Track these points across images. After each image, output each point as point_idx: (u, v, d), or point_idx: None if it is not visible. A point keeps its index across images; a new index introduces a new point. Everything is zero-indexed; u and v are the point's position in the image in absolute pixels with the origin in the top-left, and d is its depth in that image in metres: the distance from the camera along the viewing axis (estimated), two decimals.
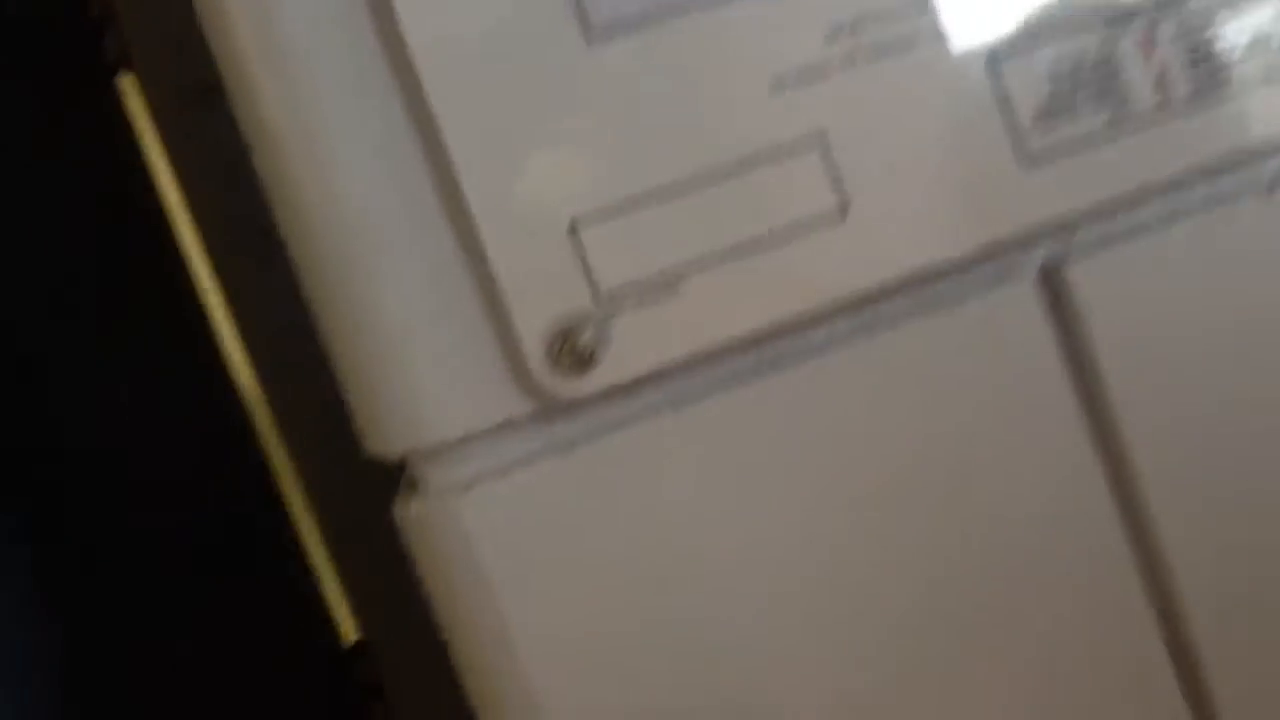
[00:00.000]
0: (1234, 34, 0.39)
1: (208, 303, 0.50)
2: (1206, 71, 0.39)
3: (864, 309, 0.37)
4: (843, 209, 0.35)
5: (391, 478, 0.36)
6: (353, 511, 0.39)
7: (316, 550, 0.53)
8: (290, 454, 0.51)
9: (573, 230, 0.34)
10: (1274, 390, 0.40)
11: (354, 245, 0.33)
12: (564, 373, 0.34)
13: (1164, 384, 0.39)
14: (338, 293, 0.34)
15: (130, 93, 0.48)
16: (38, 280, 0.52)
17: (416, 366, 0.34)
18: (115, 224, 0.51)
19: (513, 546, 0.34)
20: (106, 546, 0.56)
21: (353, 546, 0.47)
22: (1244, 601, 0.40)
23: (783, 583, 0.36)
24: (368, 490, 0.39)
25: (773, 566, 0.36)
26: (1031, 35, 0.38)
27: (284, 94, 0.33)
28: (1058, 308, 0.38)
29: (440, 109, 0.33)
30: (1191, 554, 0.39)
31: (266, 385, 0.54)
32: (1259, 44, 0.40)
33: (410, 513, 0.34)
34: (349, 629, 0.55)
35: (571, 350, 0.34)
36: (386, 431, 0.34)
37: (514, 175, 0.34)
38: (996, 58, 0.37)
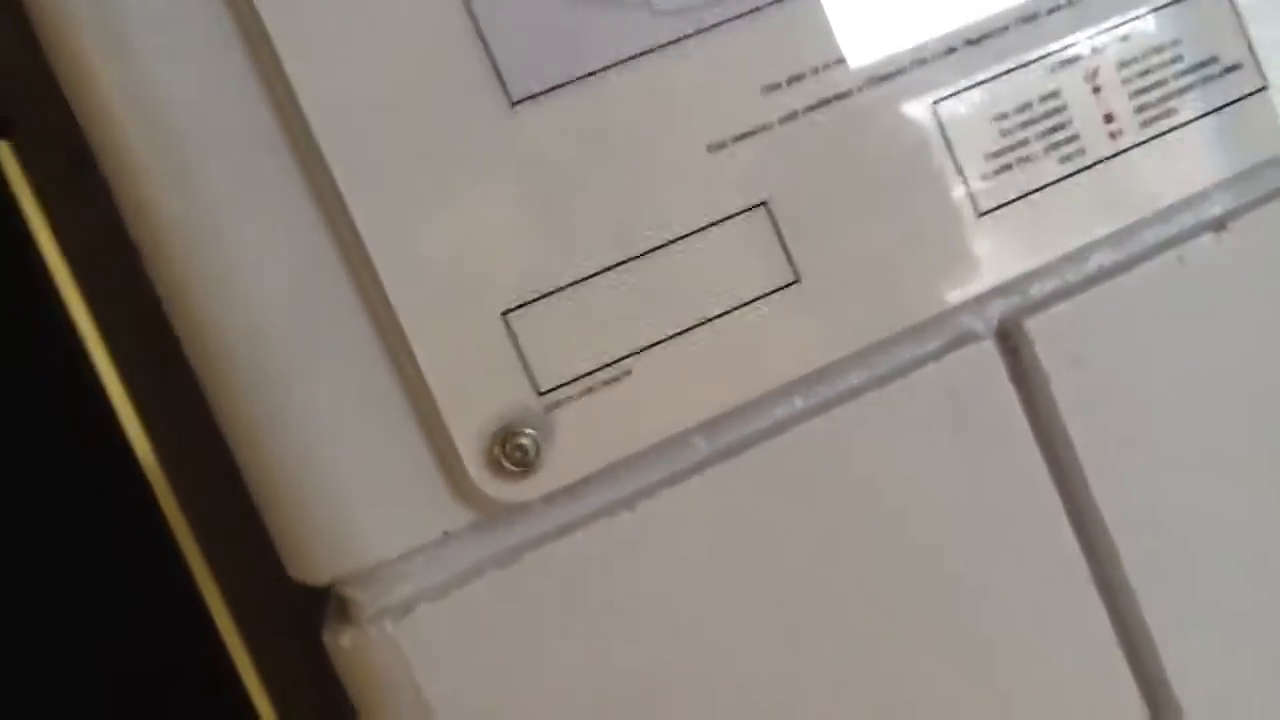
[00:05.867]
0: (1174, 65, 0.38)
1: (109, 387, 0.47)
2: (1154, 106, 0.38)
3: (821, 382, 0.34)
4: (794, 280, 0.33)
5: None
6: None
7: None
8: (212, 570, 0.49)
9: (505, 320, 0.31)
10: (1236, 431, 0.39)
11: (260, 354, 0.30)
12: (505, 477, 0.31)
13: (1130, 435, 0.38)
14: (245, 408, 0.30)
15: (8, 160, 0.44)
16: None
17: (340, 483, 0.31)
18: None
19: (457, 669, 0.31)
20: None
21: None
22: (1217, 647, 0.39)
23: (750, 680, 0.34)
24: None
25: (740, 667, 0.33)
26: (970, 74, 0.36)
27: (172, 186, 0.30)
28: (1018, 364, 0.37)
29: (346, 185, 0.30)
30: (1167, 619, 0.37)
31: (163, 458, 0.50)
32: (1199, 74, 0.38)
33: (343, 642, 0.31)
34: None
35: (512, 452, 0.31)
36: (312, 557, 0.31)
37: (435, 262, 0.31)
38: (939, 100, 0.35)
